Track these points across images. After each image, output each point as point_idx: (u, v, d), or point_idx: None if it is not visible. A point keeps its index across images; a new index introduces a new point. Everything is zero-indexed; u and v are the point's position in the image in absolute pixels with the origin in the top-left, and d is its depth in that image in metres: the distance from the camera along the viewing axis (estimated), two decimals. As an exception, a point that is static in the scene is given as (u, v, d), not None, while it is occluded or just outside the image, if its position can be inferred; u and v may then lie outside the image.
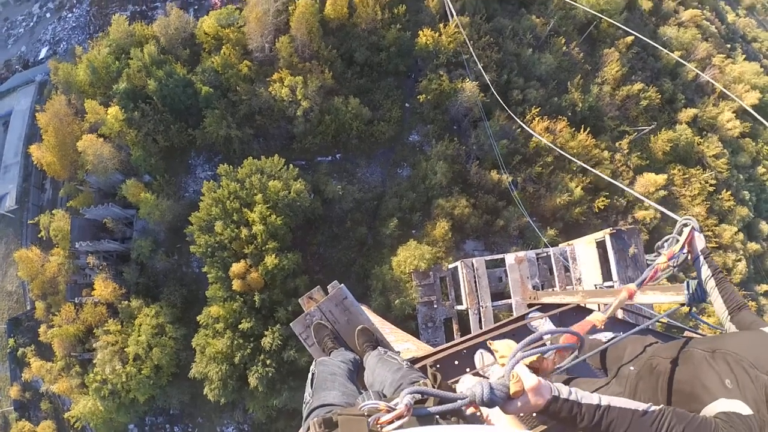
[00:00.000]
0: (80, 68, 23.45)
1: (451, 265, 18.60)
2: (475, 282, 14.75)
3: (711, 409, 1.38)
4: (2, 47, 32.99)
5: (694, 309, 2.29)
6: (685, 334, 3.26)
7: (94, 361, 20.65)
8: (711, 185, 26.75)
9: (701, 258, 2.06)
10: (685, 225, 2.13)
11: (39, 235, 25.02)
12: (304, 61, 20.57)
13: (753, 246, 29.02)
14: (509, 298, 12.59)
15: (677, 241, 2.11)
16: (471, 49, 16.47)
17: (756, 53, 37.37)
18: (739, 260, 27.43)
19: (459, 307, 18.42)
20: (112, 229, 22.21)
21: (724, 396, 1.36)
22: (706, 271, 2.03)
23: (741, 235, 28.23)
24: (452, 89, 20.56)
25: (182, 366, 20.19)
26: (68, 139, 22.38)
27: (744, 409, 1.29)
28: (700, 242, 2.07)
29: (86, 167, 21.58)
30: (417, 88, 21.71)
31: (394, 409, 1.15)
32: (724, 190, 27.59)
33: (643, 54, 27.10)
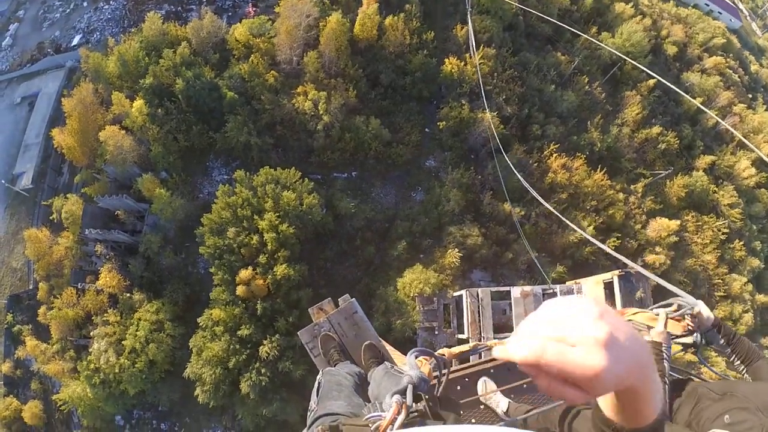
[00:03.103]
0: (111, 60, 24.00)
1: (456, 293, 18.50)
2: (479, 312, 14.63)
3: None
4: (37, 29, 33.92)
5: (703, 350, 2.23)
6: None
7: (89, 349, 20.69)
8: (723, 234, 26.51)
9: (713, 330, 2.04)
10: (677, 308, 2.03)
11: (50, 218, 25.32)
12: (329, 77, 20.91)
13: (761, 298, 28.56)
14: (512, 332, 12.43)
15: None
16: (481, 86, 16.66)
17: (777, 104, 37.32)
18: (747, 311, 26.98)
19: (460, 336, 18.23)
20: (123, 220, 22.44)
21: (718, 427, 1.38)
22: (720, 341, 2.03)
23: (750, 286, 27.83)
24: (472, 118, 20.74)
25: (176, 364, 20.14)
26: (91, 127, 22.77)
27: None
28: (706, 314, 1.99)
29: (105, 157, 21.92)
30: (438, 114, 21.93)
31: (382, 417, 1.17)
32: (737, 240, 27.30)
33: (664, 98, 27.20)
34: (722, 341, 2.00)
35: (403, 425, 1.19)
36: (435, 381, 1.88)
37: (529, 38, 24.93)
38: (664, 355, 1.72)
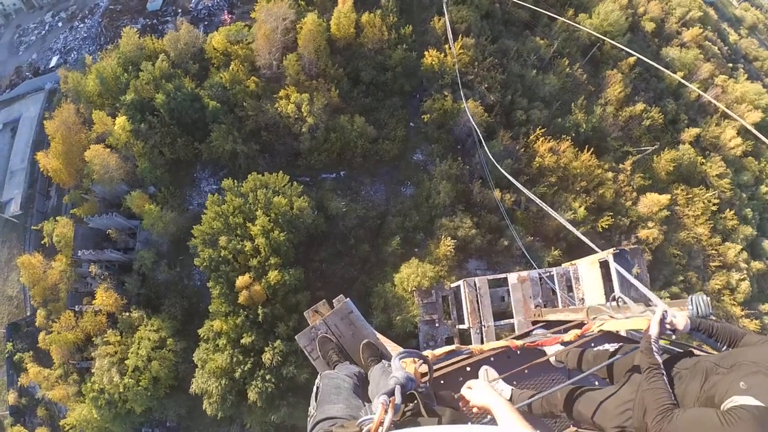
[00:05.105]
0: (89, 78, 23.77)
1: (453, 284, 18.54)
2: (478, 301, 14.66)
3: (724, 407, 1.47)
4: (13, 53, 33.52)
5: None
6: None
7: (92, 370, 20.56)
8: (714, 204, 26.77)
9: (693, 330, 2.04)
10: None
11: (42, 242, 25.08)
12: (310, 78, 20.84)
13: (757, 265, 28.88)
14: (512, 317, 12.54)
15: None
16: (458, 75, 16.51)
17: (758, 73, 37.69)
18: (743, 279, 27.28)
19: (461, 327, 18.26)
20: (115, 238, 22.27)
21: (736, 394, 1.44)
22: (702, 336, 2.06)
23: (745, 254, 28.13)
24: (455, 109, 20.76)
25: (180, 378, 20.08)
26: (75, 148, 22.60)
27: (752, 401, 1.37)
28: (682, 320, 2.00)
29: (92, 176, 21.74)
30: (422, 107, 21.94)
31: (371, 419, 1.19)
32: (728, 210, 27.58)
33: (645, 75, 27.38)
34: (704, 335, 2.04)
35: (398, 425, 1.21)
36: (425, 379, 1.92)
37: (507, 25, 24.95)
38: (655, 349, 1.83)
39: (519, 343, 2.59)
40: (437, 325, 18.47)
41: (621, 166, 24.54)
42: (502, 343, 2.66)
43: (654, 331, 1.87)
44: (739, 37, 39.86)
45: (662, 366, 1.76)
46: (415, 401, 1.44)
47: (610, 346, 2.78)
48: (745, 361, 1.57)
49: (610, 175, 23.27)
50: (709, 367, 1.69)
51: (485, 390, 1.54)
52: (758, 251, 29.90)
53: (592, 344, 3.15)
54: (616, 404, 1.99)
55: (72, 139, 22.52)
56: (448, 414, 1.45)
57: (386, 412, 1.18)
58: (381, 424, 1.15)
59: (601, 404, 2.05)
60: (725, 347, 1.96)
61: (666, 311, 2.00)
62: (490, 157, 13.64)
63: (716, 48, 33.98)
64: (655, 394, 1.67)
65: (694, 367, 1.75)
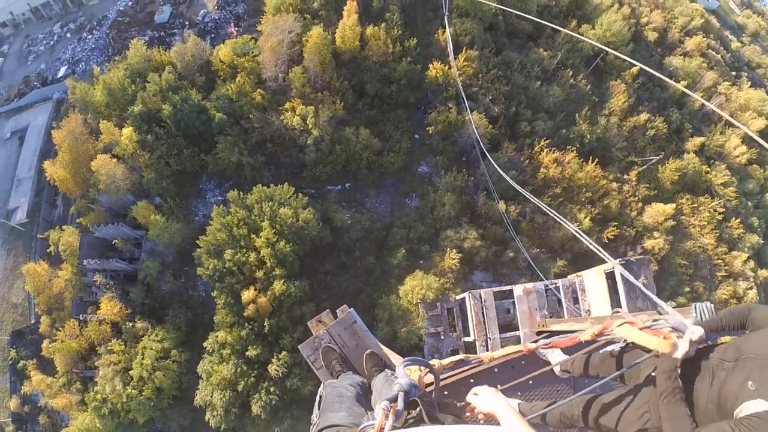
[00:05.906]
0: (97, 89, 24.08)
1: (458, 296, 18.46)
2: (483, 313, 14.61)
3: (737, 415, 1.41)
4: (22, 63, 34.08)
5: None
6: None
7: (95, 379, 20.54)
8: (720, 213, 26.62)
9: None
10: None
11: (48, 251, 25.23)
12: (316, 91, 21.03)
13: (764, 273, 28.58)
14: (517, 330, 12.48)
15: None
16: (461, 91, 16.58)
17: (761, 80, 37.69)
18: (750, 288, 27.03)
19: (466, 339, 18.17)
20: (120, 248, 22.38)
21: (747, 399, 1.38)
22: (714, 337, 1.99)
23: (752, 263, 27.89)
24: (460, 121, 20.85)
25: (184, 389, 20.02)
26: (82, 157, 22.82)
27: (764, 406, 1.32)
28: (699, 331, 1.87)
29: (98, 186, 21.91)
30: (426, 119, 22.07)
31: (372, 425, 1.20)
32: (733, 218, 27.42)
33: (649, 84, 27.44)
34: (716, 335, 1.97)
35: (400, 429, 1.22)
36: (431, 388, 1.91)
37: (511, 37, 25.14)
38: (678, 372, 1.74)
39: (533, 346, 2.52)
40: (442, 337, 18.36)
41: (626, 176, 24.49)
42: (516, 348, 2.61)
43: (681, 353, 1.68)
44: (742, 45, 39.90)
45: (683, 389, 1.66)
46: (418, 408, 1.44)
47: (617, 346, 2.70)
48: (749, 354, 1.51)
49: (615, 185, 23.22)
50: (714, 364, 1.64)
51: (491, 396, 1.52)
52: (765, 260, 29.62)
53: (599, 349, 3.13)
54: (634, 409, 1.95)
55: (79, 148, 22.76)
56: (450, 421, 1.45)
57: (387, 417, 1.19)
58: (382, 429, 1.15)
59: (622, 414, 2.01)
60: (739, 330, 1.88)
61: (686, 325, 1.87)
62: (496, 167, 13.63)
63: (719, 56, 34.03)
64: (675, 424, 1.60)
65: (699, 367, 1.70)
